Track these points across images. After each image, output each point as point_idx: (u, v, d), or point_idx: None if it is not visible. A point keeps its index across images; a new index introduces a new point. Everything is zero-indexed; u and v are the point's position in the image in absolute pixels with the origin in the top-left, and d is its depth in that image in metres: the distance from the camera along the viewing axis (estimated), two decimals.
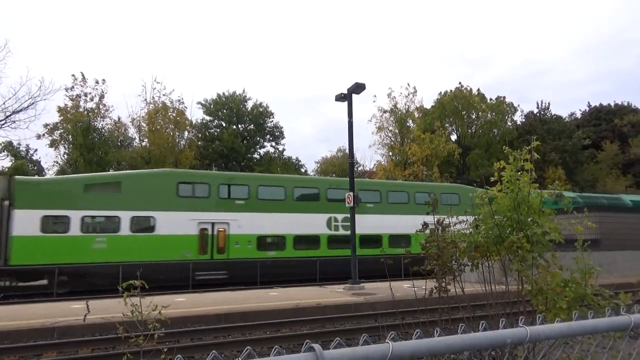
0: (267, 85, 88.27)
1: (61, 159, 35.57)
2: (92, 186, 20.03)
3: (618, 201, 27.32)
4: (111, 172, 32.34)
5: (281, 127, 55.03)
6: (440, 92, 53.72)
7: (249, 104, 53.39)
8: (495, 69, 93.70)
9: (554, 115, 57.19)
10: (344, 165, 54.39)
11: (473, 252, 5.38)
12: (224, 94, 52.50)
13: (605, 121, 59.04)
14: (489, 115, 53.23)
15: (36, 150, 39.21)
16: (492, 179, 5.24)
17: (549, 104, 58.75)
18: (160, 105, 39.27)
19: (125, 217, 19.59)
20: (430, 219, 6.10)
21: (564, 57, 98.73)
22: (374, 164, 51.44)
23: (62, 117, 34.64)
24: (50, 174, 38.37)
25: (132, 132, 41.84)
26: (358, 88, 17.02)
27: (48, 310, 12.13)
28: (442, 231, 5.86)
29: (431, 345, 1.71)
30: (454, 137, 53.23)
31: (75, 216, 18.86)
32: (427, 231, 6.01)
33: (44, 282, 18.78)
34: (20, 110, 30.57)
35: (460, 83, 53.84)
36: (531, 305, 4.66)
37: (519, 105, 57.69)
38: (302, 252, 22.67)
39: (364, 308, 12.84)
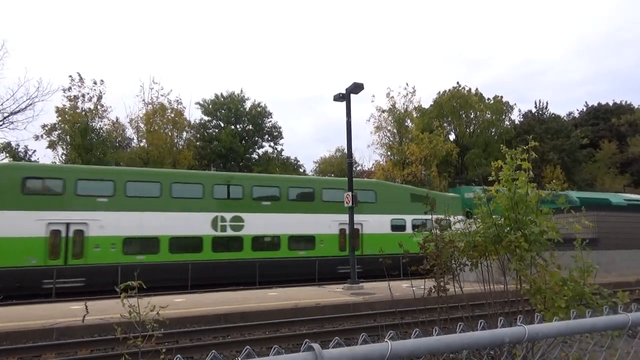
0: (265, 86, 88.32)
1: (59, 159, 35.46)
2: None
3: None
4: None
5: (280, 127, 55.00)
6: (439, 92, 53.85)
7: (248, 104, 53.35)
8: (494, 68, 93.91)
9: (552, 114, 57.30)
10: (342, 165, 54.39)
11: (472, 252, 5.39)
12: (222, 94, 52.47)
13: (603, 120, 59.17)
14: (487, 114, 53.31)
15: (35, 151, 39.08)
16: (490, 178, 5.25)
17: (547, 103, 58.94)
18: (158, 105, 39.23)
19: None
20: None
21: (562, 57, 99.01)
22: (373, 164, 51.51)
23: (60, 118, 34.56)
24: None
25: (130, 132, 41.84)
26: (356, 88, 17.04)
27: (47, 311, 12.11)
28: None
29: (430, 344, 1.71)
30: (452, 137, 53.31)
31: None
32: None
33: None
34: (18, 111, 30.55)
35: (457, 82, 53.93)
36: (530, 304, 4.67)
37: (515, 104, 57.83)
38: (179, 255, 20.07)
39: (363, 308, 12.85)
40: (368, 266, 21.99)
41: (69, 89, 34.74)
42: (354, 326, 10.76)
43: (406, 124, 45.79)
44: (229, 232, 21.14)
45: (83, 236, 18.79)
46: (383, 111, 44.81)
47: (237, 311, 11.80)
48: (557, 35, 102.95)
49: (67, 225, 18.62)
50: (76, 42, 72.37)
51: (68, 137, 34.83)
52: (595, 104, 62.73)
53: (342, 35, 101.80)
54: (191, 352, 8.39)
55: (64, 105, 34.63)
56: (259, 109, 53.51)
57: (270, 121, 54.50)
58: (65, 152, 35.53)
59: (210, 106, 51.71)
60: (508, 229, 4.95)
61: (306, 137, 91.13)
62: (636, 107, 58.73)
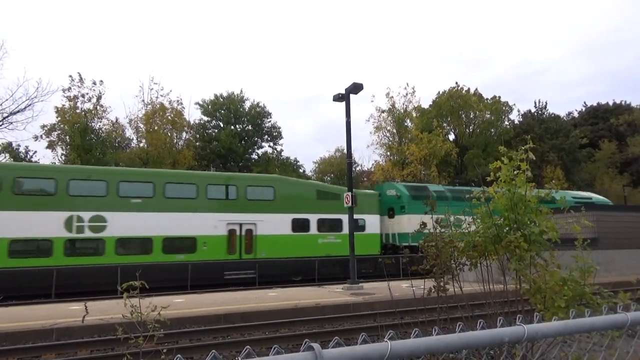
0: (264, 86, 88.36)
1: (59, 160, 35.45)
2: None
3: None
4: None
5: (279, 128, 55.05)
6: (439, 92, 53.87)
7: (247, 105, 53.39)
8: (494, 68, 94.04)
9: (552, 114, 57.34)
10: (342, 165, 54.37)
11: (471, 252, 5.40)
12: (221, 94, 52.53)
13: (602, 120, 59.25)
14: (486, 114, 53.34)
15: (35, 152, 39.09)
16: (489, 178, 5.26)
17: (546, 103, 58.99)
18: (158, 106, 39.22)
19: None
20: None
21: (561, 56, 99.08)
22: (372, 164, 51.52)
23: (59, 118, 34.55)
24: None
25: (129, 133, 41.82)
26: (356, 88, 17.03)
27: (47, 311, 12.11)
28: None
29: (430, 344, 1.71)
30: (451, 137, 53.34)
31: None
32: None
33: None
34: (18, 111, 30.56)
35: (456, 83, 54.00)
36: (529, 304, 4.68)
37: (514, 104, 57.89)
38: (24, 261, 17.79)
39: (363, 308, 12.86)
40: (262, 271, 21.15)
41: (69, 89, 34.78)
42: (354, 326, 10.76)
43: (406, 124, 45.82)
44: (87, 234, 18.99)
45: None
46: (382, 111, 44.87)
47: (237, 311, 11.81)
48: (557, 35, 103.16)
49: None
50: (76, 42, 72.44)
51: (67, 137, 34.81)
52: (595, 104, 62.87)
53: (342, 35, 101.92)
54: (191, 353, 8.39)
55: (64, 105, 34.65)
56: (258, 109, 53.55)
57: (270, 121, 54.58)
58: (64, 152, 35.52)
59: (210, 106, 51.74)
60: (507, 229, 4.96)
61: (306, 137, 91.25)
62: (635, 107, 58.85)
